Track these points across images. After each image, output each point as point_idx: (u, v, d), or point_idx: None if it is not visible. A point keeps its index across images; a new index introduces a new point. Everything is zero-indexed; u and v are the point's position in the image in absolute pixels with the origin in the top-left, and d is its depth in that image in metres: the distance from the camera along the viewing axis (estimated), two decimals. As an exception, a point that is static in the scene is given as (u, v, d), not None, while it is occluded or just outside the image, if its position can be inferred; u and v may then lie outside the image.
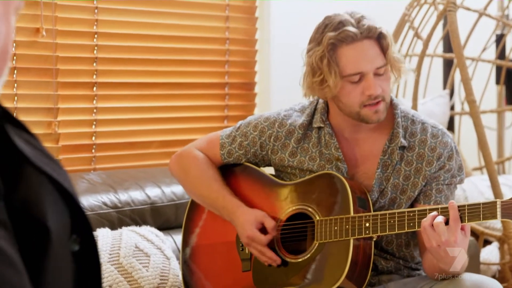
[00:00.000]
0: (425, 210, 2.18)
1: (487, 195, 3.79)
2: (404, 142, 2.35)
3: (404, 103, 2.63)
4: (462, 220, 2.11)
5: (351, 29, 2.24)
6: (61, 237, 1.10)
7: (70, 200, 1.13)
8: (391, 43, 2.28)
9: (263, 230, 2.36)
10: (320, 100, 2.44)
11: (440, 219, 2.11)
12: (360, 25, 2.25)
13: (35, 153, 1.10)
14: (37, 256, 1.05)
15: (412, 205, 2.37)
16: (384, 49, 2.27)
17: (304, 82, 2.34)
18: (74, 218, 1.13)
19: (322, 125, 2.40)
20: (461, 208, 2.12)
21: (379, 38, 2.27)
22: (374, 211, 2.31)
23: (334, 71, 2.24)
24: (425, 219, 2.14)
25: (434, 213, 2.14)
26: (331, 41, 2.24)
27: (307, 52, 2.32)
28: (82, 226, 1.15)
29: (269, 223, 2.36)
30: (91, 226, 1.16)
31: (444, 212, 2.14)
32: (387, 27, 2.33)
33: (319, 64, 2.26)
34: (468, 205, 2.12)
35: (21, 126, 1.12)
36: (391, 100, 2.38)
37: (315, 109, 2.44)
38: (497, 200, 2.11)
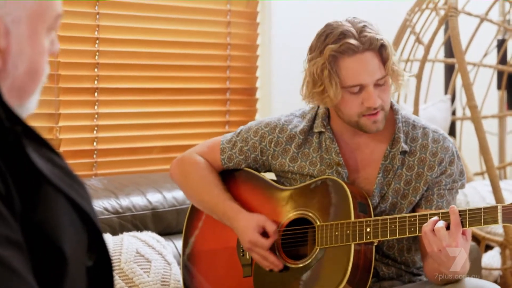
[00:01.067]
0: (426, 215, 2.18)
1: (489, 200, 3.79)
2: (405, 147, 2.35)
3: (405, 109, 2.64)
4: (463, 225, 2.11)
5: (352, 41, 2.23)
6: (77, 256, 1.10)
7: (87, 220, 1.12)
8: (391, 54, 2.27)
9: (264, 234, 2.36)
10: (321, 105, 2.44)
11: (441, 224, 2.11)
12: (361, 36, 2.24)
13: (54, 172, 1.09)
14: (53, 278, 1.05)
15: (413, 210, 2.37)
16: (384, 60, 2.27)
17: (305, 89, 2.34)
18: (90, 235, 1.13)
19: (323, 130, 2.40)
20: (462, 213, 2.12)
21: (380, 49, 2.27)
22: (375, 216, 2.31)
23: (335, 82, 2.24)
24: (426, 224, 2.14)
25: (435, 218, 2.14)
26: (332, 53, 2.24)
27: (308, 61, 2.31)
28: (97, 242, 1.15)
29: (270, 227, 2.36)
30: (106, 242, 1.16)
31: (445, 217, 2.13)
32: (389, 32, 2.33)
33: (320, 75, 2.26)
34: (469, 210, 2.12)
35: (43, 143, 1.12)
36: (392, 106, 2.38)
37: (315, 114, 2.44)
38: (498, 204, 2.11)
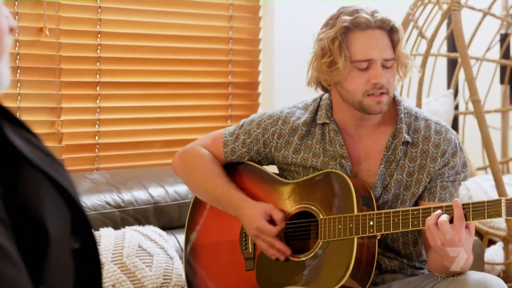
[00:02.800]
0: (429, 208, 2.17)
1: (492, 195, 3.78)
2: (407, 138, 2.34)
3: (408, 102, 2.63)
4: (466, 219, 2.11)
5: (366, 16, 2.27)
6: (61, 236, 1.09)
7: (69, 199, 1.12)
8: (402, 38, 2.29)
9: (270, 223, 2.36)
10: (324, 97, 2.44)
11: (445, 217, 2.11)
12: (374, 15, 2.28)
13: (34, 152, 1.09)
14: (36, 255, 1.05)
15: (416, 202, 2.36)
16: (394, 44, 2.29)
17: (311, 67, 2.35)
18: (74, 216, 1.13)
19: (327, 121, 2.39)
20: (465, 207, 2.11)
21: (391, 31, 2.29)
22: (378, 206, 2.31)
23: (345, 54, 2.26)
24: (429, 217, 2.13)
25: (439, 211, 2.14)
26: (345, 24, 2.26)
27: (318, 35, 2.33)
28: (82, 224, 1.14)
29: (277, 215, 2.35)
30: (90, 224, 1.15)
31: (449, 210, 2.13)
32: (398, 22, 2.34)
33: (330, 45, 2.28)
34: (473, 203, 2.12)
35: (20, 125, 1.11)
36: (395, 97, 2.38)
37: (318, 106, 2.44)
38: (502, 198, 2.10)
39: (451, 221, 2.10)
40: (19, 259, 0.99)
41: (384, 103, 2.29)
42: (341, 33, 2.26)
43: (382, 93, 2.28)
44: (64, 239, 1.10)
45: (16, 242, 1.01)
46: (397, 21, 2.32)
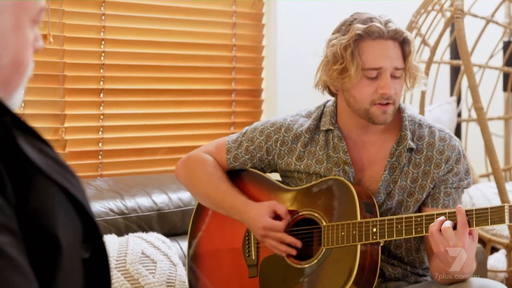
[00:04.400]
0: (433, 215, 2.17)
1: (494, 202, 3.78)
2: (412, 144, 2.35)
3: (411, 109, 2.64)
4: (470, 225, 2.11)
5: (379, 25, 2.28)
6: (72, 246, 1.09)
7: (81, 209, 1.12)
8: (413, 50, 2.30)
9: (276, 219, 2.36)
10: (328, 104, 2.44)
11: (448, 224, 2.11)
12: (387, 25, 2.29)
13: (47, 162, 1.09)
14: (48, 266, 1.05)
15: (419, 208, 2.36)
16: (405, 55, 2.30)
17: (321, 71, 2.35)
18: (85, 226, 1.13)
19: (331, 128, 2.40)
20: (468, 213, 2.12)
21: (403, 43, 2.30)
22: (381, 213, 2.31)
23: (357, 63, 2.26)
24: (432, 224, 2.13)
25: (442, 218, 2.14)
26: (359, 32, 2.27)
27: (330, 41, 2.33)
28: (93, 233, 1.14)
29: (281, 209, 2.36)
30: (101, 233, 1.15)
31: (452, 217, 2.13)
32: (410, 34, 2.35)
33: (343, 52, 2.28)
34: (476, 210, 2.12)
35: (34, 134, 1.11)
36: (399, 104, 2.39)
37: (322, 113, 2.44)
38: (505, 204, 2.10)
39: (454, 227, 2.10)
40: (30, 270, 0.99)
41: (389, 114, 2.29)
42: (354, 41, 2.27)
43: (388, 103, 2.28)
44: (75, 249, 1.10)
45: (28, 252, 1.01)
46: (410, 34, 2.33)
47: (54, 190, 1.09)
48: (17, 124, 1.09)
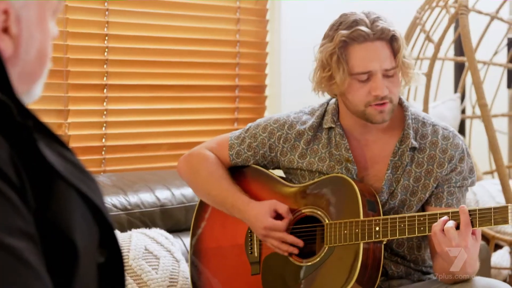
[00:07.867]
0: (436, 214, 2.17)
1: (498, 199, 3.78)
2: (414, 143, 2.34)
3: (414, 107, 2.63)
4: (473, 225, 2.10)
5: (364, 29, 2.25)
6: (88, 250, 1.09)
7: (99, 214, 1.12)
8: (403, 47, 2.28)
9: (277, 218, 2.36)
10: (331, 102, 2.44)
11: (451, 224, 2.10)
12: (373, 26, 2.26)
13: (67, 167, 1.09)
14: (65, 271, 1.05)
15: (423, 207, 2.36)
16: (395, 52, 2.27)
17: (314, 76, 2.35)
18: (102, 230, 1.13)
19: (333, 126, 2.39)
20: (472, 213, 2.11)
21: (391, 41, 2.27)
22: (384, 212, 2.31)
23: (343, 68, 2.25)
24: (435, 223, 2.13)
25: (445, 217, 2.13)
26: (343, 38, 2.25)
27: (319, 47, 2.32)
28: (109, 238, 1.14)
29: (282, 208, 2.35)
30: (117, 238, 1.15)
31: (455, 216, 2.12)
32: (398, 30, 2.32)
33: (329, 60, 2.27)
34: (479, 210, 2.11)
35: (55, 139, 1.11)
36: (402, 102, 2.38)
37: (325, 110, 2.44)
38: (509, 204, 2.10)
39: (457, 227, 2.10)
40: (46, 275, 0.99)
41: (386, 112, 2.28)
42: (339, 48, 2.26)
43: (384, 103, 2.27)
44: (91, 253, 1.10)
45: (45, 258, 1.01)
46: (398, 30, 2.29)
47: (73, 195, 1.09)
48: (38, 127, 1.09)
